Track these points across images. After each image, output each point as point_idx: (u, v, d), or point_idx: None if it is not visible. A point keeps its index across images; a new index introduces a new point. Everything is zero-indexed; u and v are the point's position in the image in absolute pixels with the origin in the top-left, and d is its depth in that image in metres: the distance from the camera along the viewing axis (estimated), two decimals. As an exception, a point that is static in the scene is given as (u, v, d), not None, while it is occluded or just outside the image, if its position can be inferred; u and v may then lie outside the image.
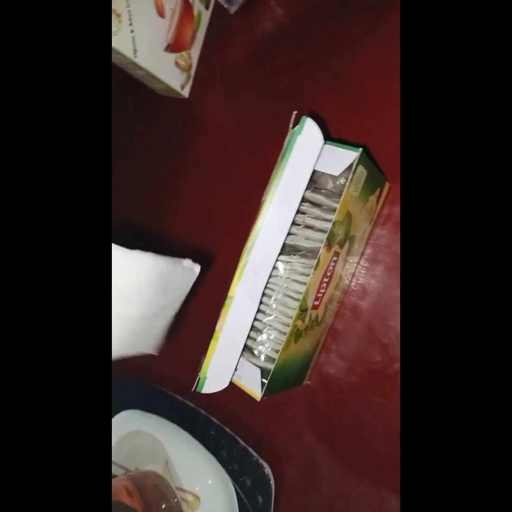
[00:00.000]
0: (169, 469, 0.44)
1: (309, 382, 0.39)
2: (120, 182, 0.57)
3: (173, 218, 0.52)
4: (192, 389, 0.29)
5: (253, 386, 0.31)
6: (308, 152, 0.27)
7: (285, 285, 0.34)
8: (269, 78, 0.47)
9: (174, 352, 0.49)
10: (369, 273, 0.38)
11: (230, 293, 0.29)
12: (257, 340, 0.34)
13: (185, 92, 0.51)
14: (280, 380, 0.33)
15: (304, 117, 0.27)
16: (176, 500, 0.43)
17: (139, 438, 0.46)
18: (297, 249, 0.34)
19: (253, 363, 0.32)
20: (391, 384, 0.36)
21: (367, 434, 0.37)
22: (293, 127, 0.27)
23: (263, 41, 0.48)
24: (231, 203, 0.47)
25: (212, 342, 0.29)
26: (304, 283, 0.33)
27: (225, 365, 0.29)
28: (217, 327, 0.29)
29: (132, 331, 0.34)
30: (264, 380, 0.31)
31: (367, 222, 0.37)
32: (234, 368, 0.29)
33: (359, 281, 0.39)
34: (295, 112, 0.27)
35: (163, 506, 0.44)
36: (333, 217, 0.31)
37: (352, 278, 0.39)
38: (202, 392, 0.29)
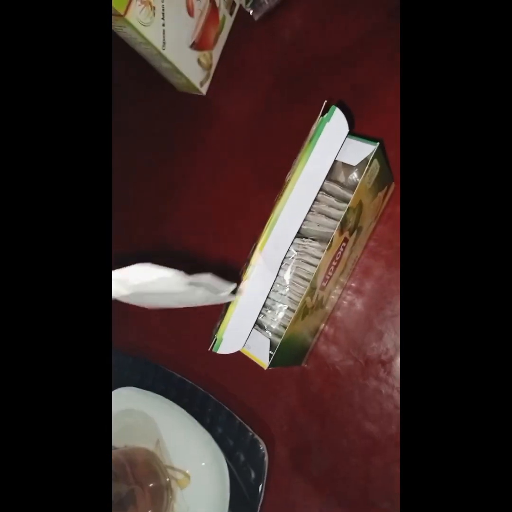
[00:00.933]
0: (160, 448, 0.45)
1: (306, 365, 0.41)
2: (135, 171, 0.58)
3: (183, 207, 0.54)
4: (209, 349, 0.31)
5: (261, 356, 0.33)
6: (334, 139, 0.30)
7: (296, 266, 0.36)
8: (285, 83, 0.50)
9: (174, 332, 0.50)
10: (370, 265, 0.41)
11: (251, 262, 0.31)
12: (266, 315, 0.36)
13: (204, 89, 0.53)
14: (285, 353, 0.35)
15: (333, 106, 0.30)
16: (167, 479, 0.44)
17: (132, 416, 0.46)
18: (308, 234, 0.37)
19: (263, 335, 0.34)
20: (385, 369, 0.39)
21: (358, 417, 0.39)
22: (322, 115, 0.30)
23: (282, 49, 0.51)
24: (242, 196, 0.50)
25: (231, 306, 0.31)
26: (315, 265, 0.35)
27: (241, 330, 0.31)
28: (237, 292, 0.31)
29: None
30: (271, 352, 0.33)
31: (372, 217, 0.40)
32: (248, 333, 0.31)
33: (360, 272, 0.41)
34: (325, 101, 0.30)
35: (151, 485, 0.44)
36: (346, 206, 0.34)
37: (354, 268, 0.41)
38: (217, 352, 0.31)
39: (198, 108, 0.54)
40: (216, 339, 0.31)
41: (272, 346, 0.33)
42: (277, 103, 0.50)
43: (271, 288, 0.32)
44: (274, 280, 0.32)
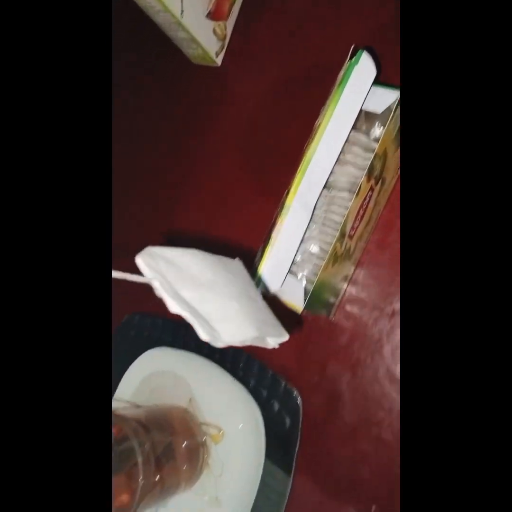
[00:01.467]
0: (193, 406, 0.46)
1: (333, 318, 0.43)
2: (150, 144, 0.60)
3: (199, 180, 0.55)
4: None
5: (296, 300, 0.34)
6: (363, 82, 0.31)
7: (324, 216, 0.37)
8: (298, 55, 0.51)
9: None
10: (392, 219, 0.42)
11: (287, 203, 0.32)
12: (297, 264, 0.37)
13: (219, 60, 0.54)
14: (317, 299, 0.36)
15: (360, 50, 0.31)
16: (204, 438, 0.44)
17: (163, 377, 0.47)
18: (335, 186, 0.38)
19: (296, 280, 0.35)
20: (412, 315, 0.40)
21: (388, 362, 0.40)
22: (349, 59, 0.31)
23: (294, 21, 0.52)
24: (256, 168, 0.51)
25: (268, 247, 0.32)
26: (342, 215, 0.36)
27: (278, 270, 0.32)
28: (273, 234, 0.32)
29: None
30: (305, 296, 0.34)
31: (394, 170, 0.41)
32: (286, 273, 0.32)
33: (384, 226, 0.42)
34: (353, 45, 0.31)
35: (186, 442, 0.45)
36: (371, 155, 0.35)
37: (377, 222, 0.43)
38: (256, 292, 0.32)
39: (213, 79, 0.55)
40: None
41: (305, 291, 0.35)
42: (292, 76, 0.51)
43: (306, 229, 0.33)
44: (309, 221, 0.33)
